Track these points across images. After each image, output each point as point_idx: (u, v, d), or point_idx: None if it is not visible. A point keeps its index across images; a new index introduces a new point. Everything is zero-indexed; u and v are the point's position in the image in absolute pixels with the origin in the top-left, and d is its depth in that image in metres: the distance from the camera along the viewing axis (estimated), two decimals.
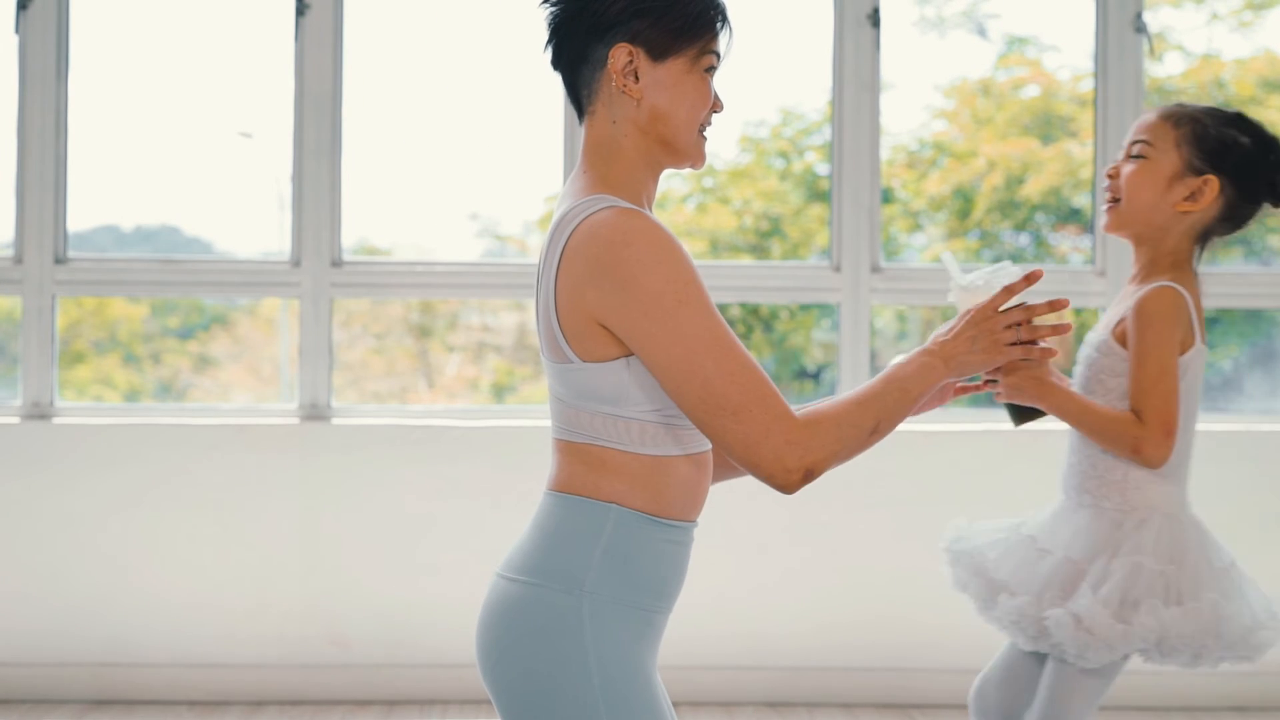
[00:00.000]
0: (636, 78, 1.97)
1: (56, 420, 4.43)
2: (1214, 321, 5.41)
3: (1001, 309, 1.96)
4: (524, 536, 2.01)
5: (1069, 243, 5.76)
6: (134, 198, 5.29)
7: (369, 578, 4.35)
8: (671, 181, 5.85)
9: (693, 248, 5.58)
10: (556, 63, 2.04)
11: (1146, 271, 2.20)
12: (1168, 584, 2.05)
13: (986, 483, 4.36)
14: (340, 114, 4.52)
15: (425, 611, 4.33)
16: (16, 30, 4.48)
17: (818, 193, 5.78)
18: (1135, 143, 2.20)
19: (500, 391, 6.02)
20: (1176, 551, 2.08)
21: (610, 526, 1.94)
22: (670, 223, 5.66)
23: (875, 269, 4.50)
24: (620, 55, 1.96)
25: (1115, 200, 2.19)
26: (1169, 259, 2.17)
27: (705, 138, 2.05)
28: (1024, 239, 5.80)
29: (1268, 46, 5.43)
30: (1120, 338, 2.15)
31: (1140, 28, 4.52)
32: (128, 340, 6.01)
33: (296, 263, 4.51)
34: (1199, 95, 5.42)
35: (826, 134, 5.05)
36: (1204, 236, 2.21)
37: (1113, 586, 2.02)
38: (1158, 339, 2.09)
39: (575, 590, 1.92)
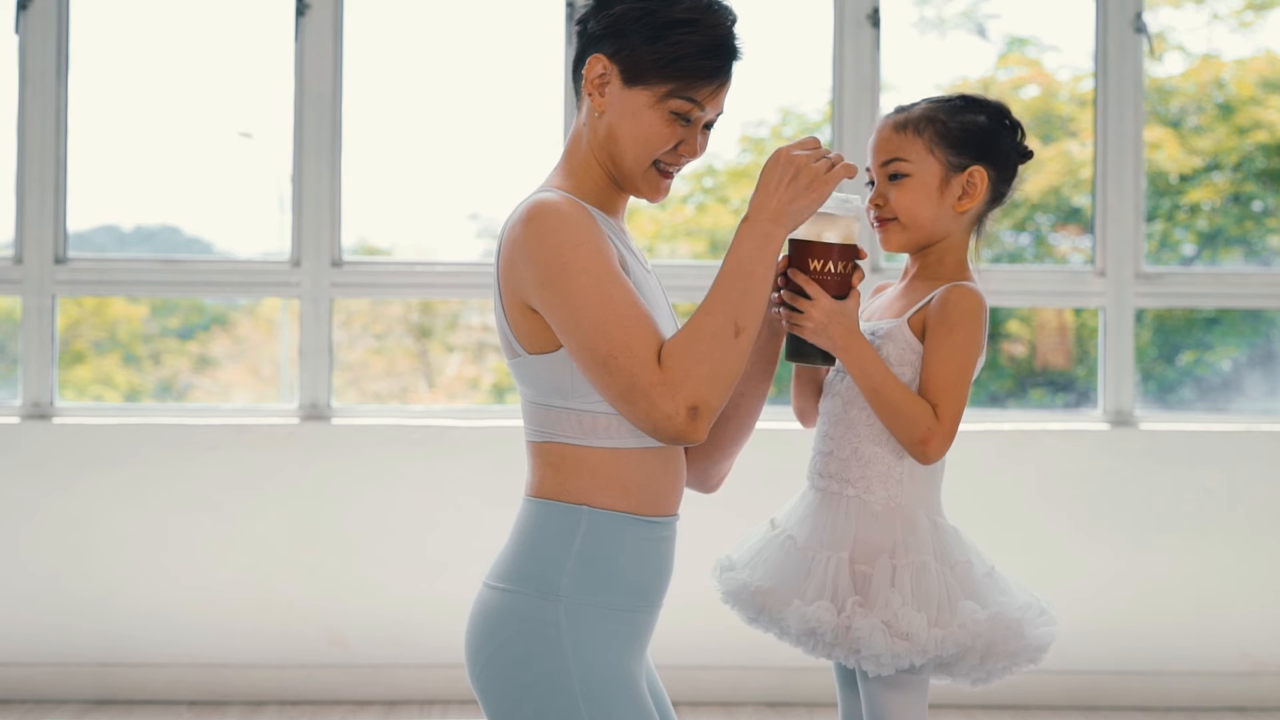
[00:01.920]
0: (605, 92, 1.99)
1: (56, 420, 4.43)
2: (1214, 322, 5.41)
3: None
4: (505, 544, 2.02)
5: (1069, 243, 5.76)
6: (134, 198, 5.29)
7: (369, 578, 4.35)
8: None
9: (693, 248, 5.57)
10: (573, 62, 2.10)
11: (934, 270, 2.16)
12: (952, 586, 2.00)
13: (986, 483, 4.36)
14: (340, 114, 4.52)
15: (425, 611, 4.33)
16: (16, 30, 4.48)
17: None
18: (888, 163, 2.15)
19: (500, 391, 6.01)
20: (946, 554, 2.03)
21: (582, 529, 1.94)
22: (670, 222, 5.65)
23: (875, 268, 4.50)
24: (595, 65, 2.00)
25: (889, 219, 2.15)
26: (953, 257, 2.15)
27: (666, 175, 2.04)
28: (1024, 239, 5.80)
29: (1268, 46, 5.43)
30: (917, 327, 2.08)
31: (1140, 28, 4.52)
32: (128, 340, 6.01)
33: (296, 263, 4.51)
34: (1199, 95, 5.42)
35: (826, 134, 5.05)
36: (979, 224, 2.19)
37: (909, 589, 1.98)
38: (966, 340, 2.05)
39: (551, 596, 1.93)
